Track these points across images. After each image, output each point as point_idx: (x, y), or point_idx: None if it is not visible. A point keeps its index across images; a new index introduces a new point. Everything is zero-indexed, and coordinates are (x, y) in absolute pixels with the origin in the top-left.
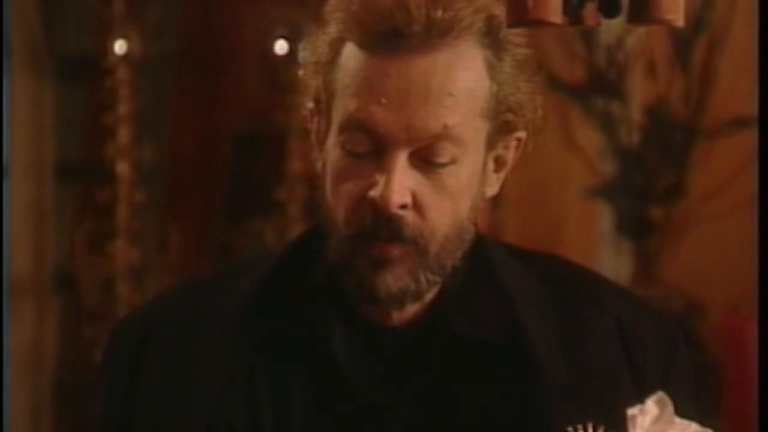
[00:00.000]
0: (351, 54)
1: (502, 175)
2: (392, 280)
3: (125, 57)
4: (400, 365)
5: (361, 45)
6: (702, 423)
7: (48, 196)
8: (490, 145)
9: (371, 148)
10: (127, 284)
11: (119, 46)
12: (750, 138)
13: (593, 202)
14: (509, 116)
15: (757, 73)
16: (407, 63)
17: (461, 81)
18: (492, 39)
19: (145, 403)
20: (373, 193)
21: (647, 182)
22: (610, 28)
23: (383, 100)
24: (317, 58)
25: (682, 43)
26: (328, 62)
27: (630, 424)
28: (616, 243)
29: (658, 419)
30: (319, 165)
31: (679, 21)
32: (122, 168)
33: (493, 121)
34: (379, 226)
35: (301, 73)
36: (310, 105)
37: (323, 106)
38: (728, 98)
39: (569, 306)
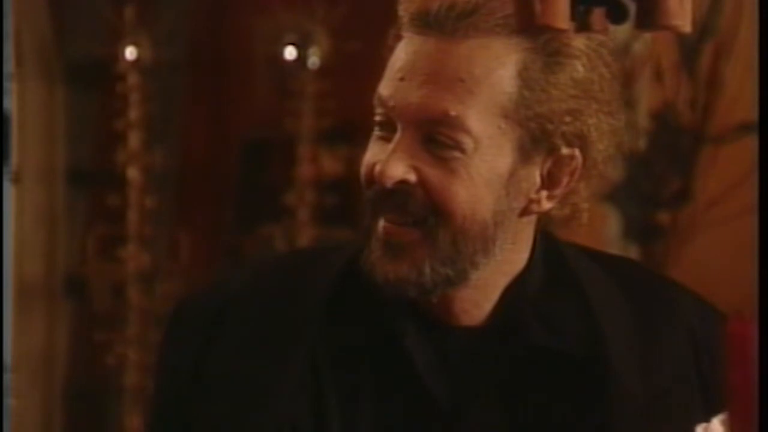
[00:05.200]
0: (402, 42)
1: (556, 193)
2: (391, 266)
3: (136, 63)
4: (473, 367)
5: (403, 29)
6: None
7: (59, 201)
8: (524, 152)
9: (387, 125)
10: (137, 289)
11: (130, 53)
12: (756, 144)
13: (600, 208)
14: (546, 126)
15: (758, 78)
16: (435, 46)
17: (479, 70)
18: (536, 44)
19: (213, 383)
20: (377, 167)
21: (654, 187)
22: (617, 33)
23: (400, 75)
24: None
25: (688, 49)
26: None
27: None
28: (624, 248)
29: None
30: None
31: (687, 27)
32: (133, 173)
33: (522, 127)
34: (382, 200)
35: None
36: None
37: None
38: (735, 104)
39: (646, 315)
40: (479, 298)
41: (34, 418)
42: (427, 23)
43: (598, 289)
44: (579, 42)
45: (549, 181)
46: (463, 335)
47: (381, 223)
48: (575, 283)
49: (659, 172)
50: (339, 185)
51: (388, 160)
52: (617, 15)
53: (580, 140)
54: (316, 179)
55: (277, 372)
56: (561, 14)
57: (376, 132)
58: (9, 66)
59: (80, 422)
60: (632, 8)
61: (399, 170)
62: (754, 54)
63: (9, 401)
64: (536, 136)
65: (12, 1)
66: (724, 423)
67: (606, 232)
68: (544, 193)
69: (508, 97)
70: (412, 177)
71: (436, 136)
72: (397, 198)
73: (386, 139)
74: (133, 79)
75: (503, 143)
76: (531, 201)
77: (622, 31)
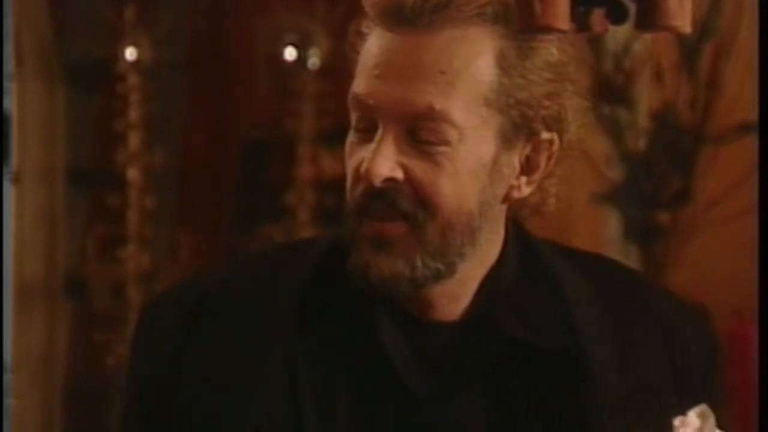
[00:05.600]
0: (371, 39)
1: (534, 178)
2: (385, 263)
3: (136, 64)
4: (449, 361)
5: (375, 24)
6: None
7: (59, 201)
8: (506, 140)
9: (368, 125)
10: (137, 289)
11: (130, 53)
12: (756, 144)
13: (600, 208)
14: (526, 111)
15: (758, 79)
16: (410, 40)
17: (459, 62)
18: (509, 30)
19: (189, 380)
20: (363, 166)
21: (654, 188)
22: (617, 34)
23: (377, 72)
24: (358, 51)
25: (688, 49)
26: (360, 52)
27: None
28: (624, 248)
29: (700, 431)
30: None
31: (686, 27)
32: (133, 174)
33: (504, 114)
34: (371, 200)
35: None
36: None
37: None
38: (735, 104)
39: (620, 311)
40: (459, 291)
41: (34, 418)
42: (400, 17)
43: (573, 285)
44: None
45: (528, 167)
46: (441, 330)
47: (368, 223)
48: (550, 277)
49: (659, 173)
50: (339, 185)
51: (374, 159)
52: (617, 15)
53: (558, 123)
54: (316, 179)
55: (254, 369)
56: (561, 15)
57: (355, 133)
58: (9, 66)
59: (80, 422)
60: (632, 9)
61: (386, 168)
62: (754, 54)
63: (9, 401)
64: (517, 123)
65: (12, 2)
66: (701, 415)
67: (606, 232)
68: (523, 179)
69: (489, 86)
70: (399, 174)
71: (419, 132)
72: (385, 196)
73: (367, 139)
74: (133, 79)
75: (485, 132)
76: (511, 187)
77: (622, 31)
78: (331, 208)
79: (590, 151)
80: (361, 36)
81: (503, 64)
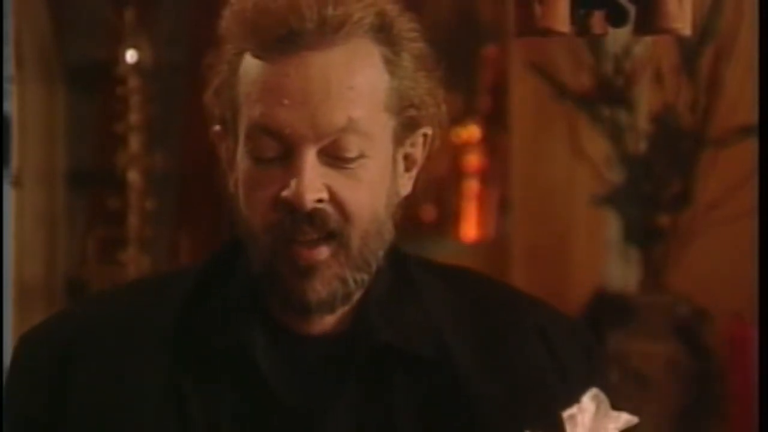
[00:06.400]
0: (249, 65)
1: (414, 173)
2: (321, 285)
3: (136, 66)
4: (325, 373)
5: (259, 52)
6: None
7: (59, 203)
8: (398, 141)
9: (280, 152)
10: None
11: (130, 55)
12: (757, 146)
13: (601, 210)
14: (412, 111)
15: (758, 80)
16: (305, 62)
17: (360, 75)
18: (386, 35)
19: (70, 422)
20: (286, 193)
21: (654, 190)
22: (617, 36)
23: (285, 101)
24: (218, 79)
25: (689, 51)
26: (228, 79)
27: (570, 425)
28: (623, 251)
29: (596, 414)
30: (231, 184)
31: (687, 30)
32: (133, 176)
33: (397, 116)
34: (300, 224)
35: (204, 99)
36: (217, 128)
37: (229, 125)
38: (735, 107)
39: (487, 317)
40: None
41: None
42: (289, 44)
43: (435, 296)
44: (402, 23)
45: (408, 162)
46: (315, 342)
47: (296, 250)
48: (415, 289)
49: (659, 175)
50: None
51: (301, 183)
52: (617, 18)
53: (435, 117)
54: None
55: (137, 403)
56: (561, 17)
57: (257, 162)
58: (9, 68)
59: None
60: (632, 11)
61: (316, 190)
62: (755, 56)
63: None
64: (405, 123)
65: (12, 3)
66: (594, 398)
67: (606, 234)
68: (407, 176)
69: (385, 93)
70: (325, 195)
71: (335, 150)
72: (314, 219)
73: (277, 166)
74: (133, 81)
75: (385, 136)
76: (400, 186)
77: (622, 33)
78: None
79: (590, 153)
80: (236, 68)
81: (390, 69)
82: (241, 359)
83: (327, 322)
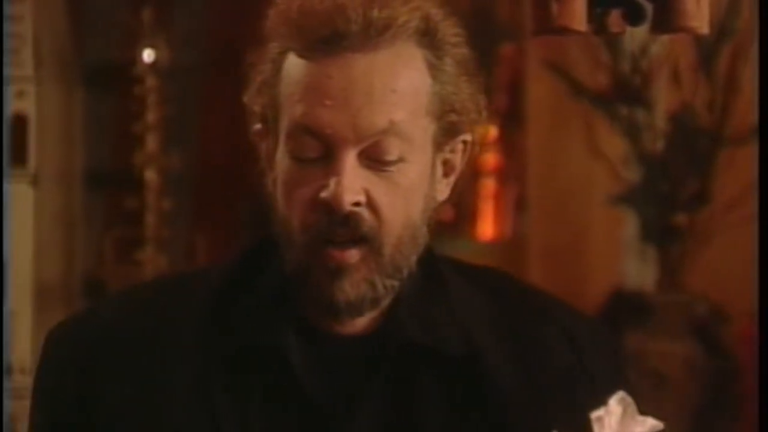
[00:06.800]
0: (293, 64)
1: (452, 179)
2: (350, 287)
3: (153, 65)
4: (356, 374)
5: (303, 52)
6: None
7: (77, 203)
8: (437, 146)
9: (320, 152)
10: None
11: (148, 55)
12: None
13: (618, 209)
14: (453, 117)
15: (758, 81)
16: (349, 64)
17: (403, 78)
18: (430, 39)
19: (100, 421)
20: (325, 194)
21: (671, 189)
22: (635, 35)
23: (328, 102)
24: (261, 77)
25: (706, 50)
26: (271, 78)
27: (597, 426)
28: (641, 250)
29: (623, 417)
30: (269, 182)
31: (704, 28)
32: (151, 176)
33: (438, 121)
34: (336, 227)
35: (245, 98)
36: (258, 127)
37: (270, 124)
38: (753, 106)
39: (516, 317)
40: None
41: None
42: (334, 45)
43: (466, 296)
44: (446, 28)
45: (446, 168)
46: (346, 341)
47: (329, 251)
48: (447, 289)
49: (677, 174)
50: None
51: (340, 185)
52: (635, 17)
53: (476, 124)
54: None
55: (167, 395)
56: (578, 16)
57: (298, 163)
58: (28, 69)
59: None
60: (650, 10)
61: (354, 193)
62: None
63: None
64: (446, 128)
65: (31, 5)
66: (621, 401)
67: (623, 233)
68: (444, 182)
69: (427, 97)
70: (363, 198)
71: (375, 153)
72: (349, 222)
73: (318, 167)
74: (150, 81)
75: (426, 141)
76: (437, 191)
77: (639, 32)
78: None
79: (607, 152)
80: (280, 67)
81: (433, 73)
82: (272, 358)
83: (358, 322)
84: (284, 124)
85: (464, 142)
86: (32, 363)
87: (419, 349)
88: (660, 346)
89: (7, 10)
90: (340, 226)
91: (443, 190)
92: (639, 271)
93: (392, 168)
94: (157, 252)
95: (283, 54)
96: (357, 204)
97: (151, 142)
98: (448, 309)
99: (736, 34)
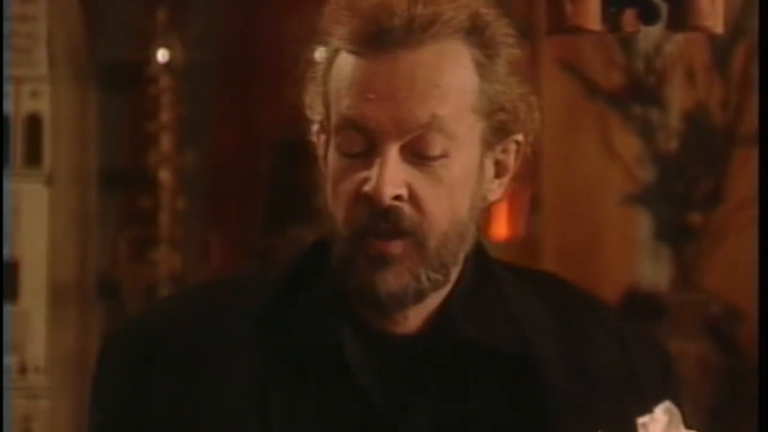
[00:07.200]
0: (343, 61)
1: (505, 180)
2: (393, 278)
3: (167, 65)
4: (409, 372)
5: (352, 48)
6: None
7: (91, 203)
8: (487, 145)
9: (364, 146)
10: (169, 291)
11: (162, 55)
12: None
13: (632, 209)
14: (503, 115)
15: (758, 82)
16: (393, 59)
17: (448, 74)
18: (479, 37)
19: (156, 419)
20: (367, 187)
21: (686, 189)
22: (649, 34)
23: (371, 96)
24: (317, 75)
25: (721, 49)
26: (324, 76)
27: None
28: (655, 249)
29: (668, 427)
30: (323, 179)
31: (718, 28)
32: (164, 175)
33: (487, 120)
34: (377, 220)
35: (307, 99)
36: (316, 127)
37: (324, 122)
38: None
39: (569, 319)
40: (424, 306)
41: (66, 419)
42: (382, 41)
43: (520, 297)
44: (497, 27)
45: (498, 169)
46: (400, 340)
47: (371, 243)
48: (500, 288)
49: (691, 173)
50: None
51: (382, 178)
52: (649, 16)
53: (528, 124)
54: None
55: (222, 396)
56: (592, 15)
57: (344, 157)
58: (42, 69)
59: None
60: (664, 9)
61: (395, 186)
62: None
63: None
64: (496, 127)
65: (45, 5)
66: (667, 411)
67: (637, 232)
68: (496, 182)
69: (473, 94)
70: (405, 192)
71: (418, 147)
72: (389, 216)
73: (362, 161)
74: (164, 81)
75: (473, 138)
76: (488, 191)
77: (653, 31)
78: None
79: (621, 151)
80: (331, 65)
81: (480, 72)
82: (329, 357)
83: (412, 321)
84: (334, 120)
85: (517, 143)
86: (46, 362)
87: (473, 348)
88: (674, 345)
89: (20, 10)
90: (382, 220)
91: (495, 190)
92: (653, 271)
93: (435, 163)
94: (171, 251)
95: (335, 51)
96: (398, 197)
97: (165, 142)
98: (501, 308)
99: (750, 34)
